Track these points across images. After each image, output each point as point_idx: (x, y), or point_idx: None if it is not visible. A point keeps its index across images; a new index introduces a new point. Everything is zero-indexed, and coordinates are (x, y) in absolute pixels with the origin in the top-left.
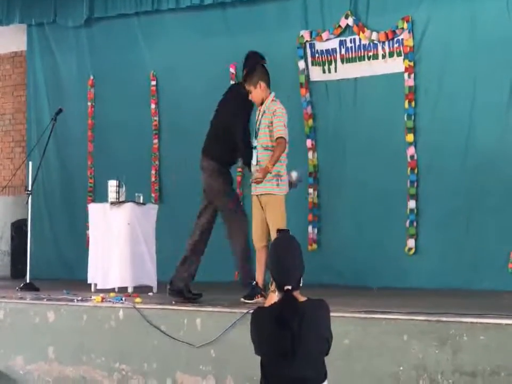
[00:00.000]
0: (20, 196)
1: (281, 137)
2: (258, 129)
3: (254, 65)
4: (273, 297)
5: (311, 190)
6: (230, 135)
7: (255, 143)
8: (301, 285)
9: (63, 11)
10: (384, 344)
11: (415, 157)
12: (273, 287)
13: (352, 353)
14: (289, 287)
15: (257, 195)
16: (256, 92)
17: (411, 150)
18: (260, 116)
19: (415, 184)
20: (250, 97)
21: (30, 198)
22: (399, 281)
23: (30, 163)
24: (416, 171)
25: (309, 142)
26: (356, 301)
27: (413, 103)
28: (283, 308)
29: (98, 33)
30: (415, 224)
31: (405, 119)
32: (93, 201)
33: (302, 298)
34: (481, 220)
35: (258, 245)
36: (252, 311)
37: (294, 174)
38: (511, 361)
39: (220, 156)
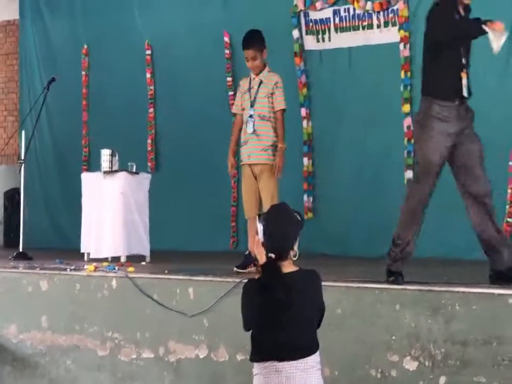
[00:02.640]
0: (12, 165)
1: (284, 109)
2: (255, 98)
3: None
4: (261, 251)
5: (305, 159)
6: None
7: (251, 112)
8: (294, 257)
9: None
10: (377, 314)
11: (412, 127)
12: (257, 239)
13: (345, 322)
14: (273, 255)
15: (249, 164)
16: (262, 57)
17: (408, 120)
18: (256, 86)
19: (412, 154)
20: (254, 63)
21: (23, 167)
22: None
23: (23, 132)
24: (413, 141)
25: (303, 111)
26: (350, 270)
27: (409, 73)
28: (265, 276)
29: (92, 1)
30: None
31: (401, 89)
32: (88, 170)
33: (292, 268)
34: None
35: (250, 214)
36: (243, 285)
37: None
38: (503, 331)
39: None
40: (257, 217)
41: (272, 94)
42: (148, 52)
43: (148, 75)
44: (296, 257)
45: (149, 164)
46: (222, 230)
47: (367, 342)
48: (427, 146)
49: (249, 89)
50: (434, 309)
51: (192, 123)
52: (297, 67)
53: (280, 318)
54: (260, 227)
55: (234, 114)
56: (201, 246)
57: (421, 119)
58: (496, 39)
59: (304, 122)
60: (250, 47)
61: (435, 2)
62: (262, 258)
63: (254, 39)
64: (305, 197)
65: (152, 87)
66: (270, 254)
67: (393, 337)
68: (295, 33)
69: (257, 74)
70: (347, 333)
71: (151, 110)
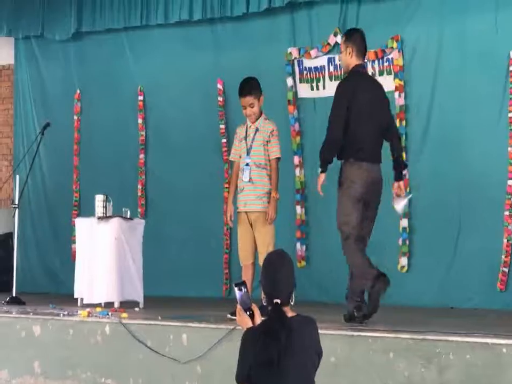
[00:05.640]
0: (5, 209)
1: (279, 158)
2: (251, 146)
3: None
4: (244, 318)
5: (298, 207)
6: None
7: (247, 160)
8: (292, 302)
9: (50, 24)
10: (370, 362)
11: (407, 176)
12: (238, 308)
13: (338, 370)
14: (278, 301)
15: (245, 212)
16: (259, 104)
17: None
18: (252, 134)
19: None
20: (252, 110)
21: (16, 211)
22: (391, 299)
23: (17, 177)
24: (408, 190)
25: (296, 159)
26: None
27: (404, 122)
28: (271, 320)
29: (86, 47)
30: (407, 242)
31: None
32: (78, 215)
33: (291, 314)
34: (470, 238)
35: (246, 262)
36: (242, 334)
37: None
38: (497, 381)
39: None
40: (234, 285)
41: (268, 142)
42: (140, 97)
43: (140, 120)
44: (293, 302)
45: (139, 210)
46: (214, 277)
47: None
48: None
49: (246, 137)
50: (428, 357)
51: (184, 169)
52: (290, 115)
53: (280, 364)
54: (238, 294)
55: (232, 162)
56: (194, 293)
57: None
58: (397, 201)
59: (297, 171)
60: (247, 94)
61: None
62: (247, 325)
63: (251, 86)
64: (298, 245)
65: (143, 133)
66: (275, 300)
67: None
68: (289, 81)
69: (253, 122)
70: (340, 381)
71: (142, 155)
